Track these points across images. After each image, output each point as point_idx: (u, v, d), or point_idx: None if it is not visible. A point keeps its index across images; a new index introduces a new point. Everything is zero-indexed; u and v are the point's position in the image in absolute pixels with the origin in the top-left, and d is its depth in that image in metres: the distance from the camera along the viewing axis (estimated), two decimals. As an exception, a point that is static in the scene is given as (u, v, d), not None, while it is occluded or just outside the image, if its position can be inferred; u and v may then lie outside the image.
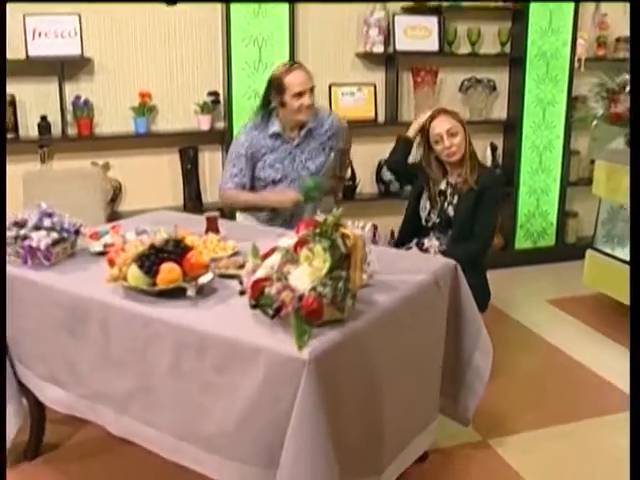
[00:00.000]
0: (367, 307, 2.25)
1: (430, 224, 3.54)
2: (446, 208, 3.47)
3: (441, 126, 3.38)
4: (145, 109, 4.62)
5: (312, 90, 3.50)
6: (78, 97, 4.49)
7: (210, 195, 4.89)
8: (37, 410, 2.92)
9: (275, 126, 3.56)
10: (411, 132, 3.56)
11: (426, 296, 2.56)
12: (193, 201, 4.79)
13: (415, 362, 2.55)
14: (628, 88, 4.12)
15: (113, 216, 4.36)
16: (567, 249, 5.57)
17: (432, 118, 3.45)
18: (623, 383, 3.68)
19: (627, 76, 4.16)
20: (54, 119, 4.44)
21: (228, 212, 4.18)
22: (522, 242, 5.58)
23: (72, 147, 4.57)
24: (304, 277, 2.05)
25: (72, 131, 4.53)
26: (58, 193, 3.81)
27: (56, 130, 4.47)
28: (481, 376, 2.90)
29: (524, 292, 5.02)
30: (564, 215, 5.68)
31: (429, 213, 3.53)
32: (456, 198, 3.44)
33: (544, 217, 5.58)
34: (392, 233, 4.89)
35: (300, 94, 3.44)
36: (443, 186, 3.50)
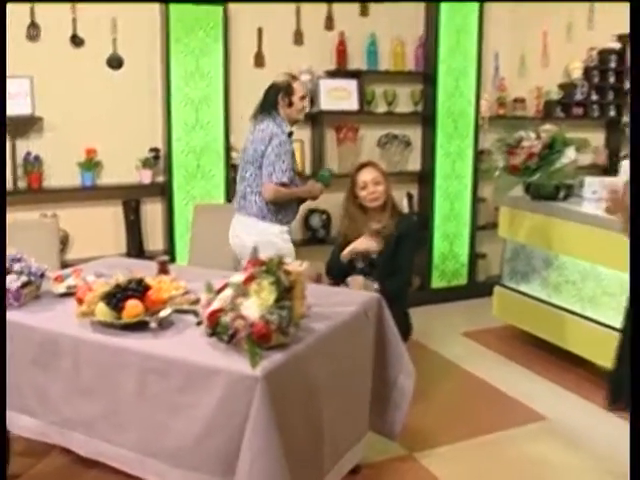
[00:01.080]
0: (307, 334, 2.64)
1: (355, 267, 3.94)
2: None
3: (367, 175, 3.83)
4: (91, 164, 4.88)
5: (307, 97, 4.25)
6: (29, 153, 4.74)
7: (152, 243, 5.17)
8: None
9: (289, 127, 4.10)
10: (346, 255, 3.94)
11: (356, 325, 2.98)
12: (136, 249, 5.07)
13: (347, 382, 2.93)
14: (524, 143, 4.65)
15: (63, 264, 4.55)
16: (478, 287, 6.02)
17: (360, 168, 3.90)
18: (528, 400, 4.18)
19: (522, 133, 4.71)
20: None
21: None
22: (437, 282, 6.03)
23: (23, 200, 4.76)
24: (254, 307, 2.44)
25: (22, 184, 4.75)
26: (15, 242, 4.04)
27: (8, 184, 4.66)
28: (406, 395, 3.29)
29: (441, 327, 5.44)
30: (474, 256, 6.17)
31: (354, 258, 3.94)
32: (378, 241, 3.86)
33: (456, 259, 6.06)
34: (319, 276, 5.27)
35: (303, 97, 4.11)
36: (366, 232, 3.89)
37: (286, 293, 2.49)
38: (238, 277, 2.58)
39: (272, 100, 4.08)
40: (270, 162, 3.94)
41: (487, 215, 6.17)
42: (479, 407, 4.16)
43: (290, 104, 4.06)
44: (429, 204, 5.90)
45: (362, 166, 3.91)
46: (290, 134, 4.08)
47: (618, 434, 3.73)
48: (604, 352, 4.24)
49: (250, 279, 2.53)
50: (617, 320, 4.21)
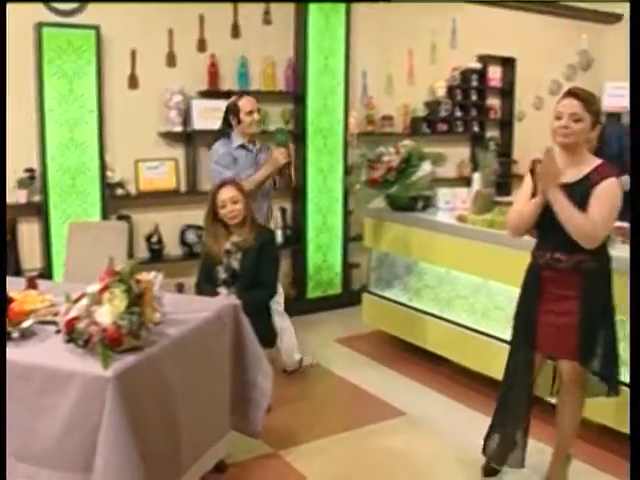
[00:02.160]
0: (161, 338, 2.85)
1: (219, 280, 4.13)
2: (232, 264, 4.10)
3: (225, 194, 4.03)
4: (-34, 185, 4.92)
5: (259, 111, 4.58)
6: None
7: (29, 262, 5.20)
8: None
9: (238, 141, 4.52)
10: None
11: (211, 329, 3.20)
12: (13, 268, 5.12)
13: (204, 383, 3.14)
14: (384, 157, 4.97)
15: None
16: (352, 295, 6.28)
17: (219, 188, 4.11)
18: (389, 398, 4.48)
19: (382, 148, 5.03)
20: None
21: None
22: (313, 292, 6.29)
23: None
24: (107, 314, 2.64)
25: None
26: None
27: None
28: (265, 394, 3.52)
29: (316, 335, 5.67)
30: (347, 266, 6.46)
31: (217, 272, 4.14)
32: (240, 254, 4.09)
33: (331, 269, 6.34)
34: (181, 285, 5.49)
35: (251, 112, 4.47)
36: (228, 245, 4.10)
37: (137, 300, 2.69)
38: (94, 287, 2.76)
39: (226, 121, 4.55)
40: (216, 173, 4.46)
41: (358, 227, 6.41)
42: (343, 406, 4.45)
43: (239, 121, 4.48)
44: (302, 218, 6.16)
45: (221, 185, 4.11)
46: (242, 146, 4.51)
47: (470, 425, 4.08)
48: (460, 350, 4.59)
49: (104, 289, 2.71)
50: (469, 319, 4.59)
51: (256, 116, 4.52)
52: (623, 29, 8.10)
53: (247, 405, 3.53)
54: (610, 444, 3.85)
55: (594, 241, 3.07)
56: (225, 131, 4.57)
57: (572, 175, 3.14)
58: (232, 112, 4.49)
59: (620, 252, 3.56)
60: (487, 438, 3.54)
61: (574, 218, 3.05)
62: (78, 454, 2.58)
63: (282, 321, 4.66)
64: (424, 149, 5.18)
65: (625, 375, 3.53)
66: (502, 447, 3.51)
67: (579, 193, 3.08)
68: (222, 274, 4.10)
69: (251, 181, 4.40)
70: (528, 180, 3.33)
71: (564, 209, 3.06)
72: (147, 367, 2.70)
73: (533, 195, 3.24)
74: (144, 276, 2.78)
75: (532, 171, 3.27)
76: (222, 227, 4.10)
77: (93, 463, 2.54)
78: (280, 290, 4.63)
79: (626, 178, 4.36)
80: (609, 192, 3.07)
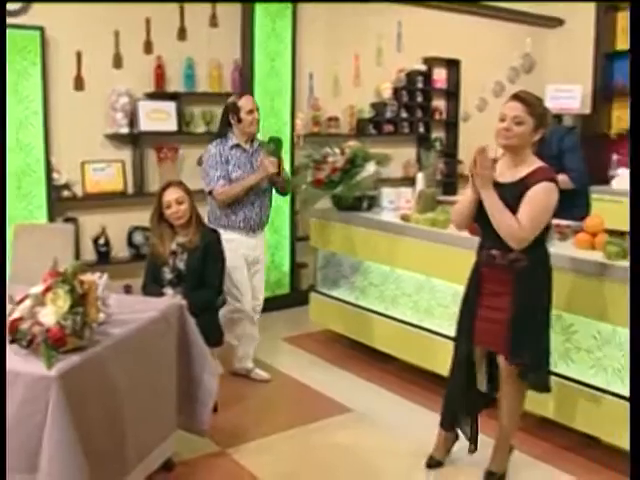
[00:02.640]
0: (106, 338, 2.87)
1: (165, 281, 4.17)
2: (177, 264, 4.13)
3: (171, 195, 4.06)
4: None
5: (258, 110, 4.55)
6: None
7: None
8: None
9: (233, 140, 4.52)
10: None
11: (157, 329, 3.22)
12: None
13: (150, 381, 3.16)
14: (329, 158, 5.05)
15: None
16: (301, 295, 6.34)
17: (165, 189, 4.14)
18: (336, 395, 4.55)
19: (328, 149, 5.11)
20: None
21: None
22: (262, 292, 6.33)
23: None
24: (50, 314, 2.65)
25: None
26: None
27: None
28: (211, 393, 3.56)
29: (264, 334, 5.53)
30: (296, 266, 6.53)
31: (163, 272, 4.17)
32: (185, 255, 4.12)
33: (279, 269, 6.40)
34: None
35: (251, 111, 4.47)
36: (174, 246, 4.13)
37: (80, 300, 2.71)
38: (37, 288, 2.77)
39: (224, 121, 4.57)
40: (205, 174, 4.56)
41: (305, 227, 6.44)
42: (290, 404, 4.50)
43: (239, 120, 4.47)
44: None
45: (166, 186, 4.13)
46: (237, 145, 4.52)
47: (415, 420, 4.20)
48: (405, 347, 4.68)
49: (47, 289, 2.73)
50: (413, 316, 4.68)
51: (256, 115, 4.52)
52: (564, 33, 8.35)
53: (193, 403, 3.56)
54: (549, 435, 3.98)
55: (520, 242, 3.18)
56: (223, 131, 4.58)
57: (510, 176, 3.25)
58: (232, 111, 4.48)
59: (557, 249, 3.70)
60: (440, 430, 3.67)
61: (502, 218, 3.17)
62: (23, 454, 2.58)
63: (251, 328, 4.80)
64: (370, 150, 5.26)
65: (559, 366, 3.69)
66: (449, 439, 3.66)
67: (513, 194, 3.19)
68: (168, 275, 4.13)
69: (239, 185, 4.46)
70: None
71: (494, 208, 3.18)
72: (91, 367, 2.72)
73: None
74: (88, 277, 2.80)
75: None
76: (168, 228, 4.13)
77: (38, 463, 2.55)
78: (261, 298, 4.83)
79: (563, 177, 4.52)
80: (539, 195, 3.18)
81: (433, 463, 3.68)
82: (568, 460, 3.78)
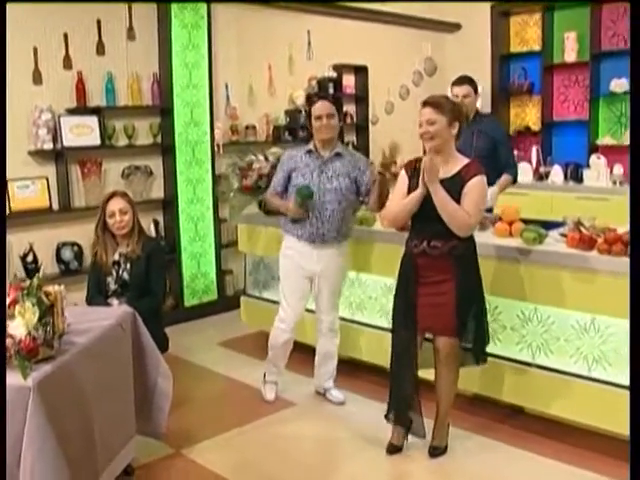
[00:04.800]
0: (71, 346, 2.98)
1: (110, 291, 4.27)
2: (121, 274, 4.24)
3: (115, 205, 4.17)
4: None
5: (330, 116, 4.26)
6: None
7: None
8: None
9: (310, 145, 4.38)
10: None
11: (114, 336, 3.34)
12: None
13: (112, 386, 3.29)
14: (254, 165, 5.23)
15: None
16: (228, 300, 6.51)
17: (109, 199, 4.23)
18: (281, 392, 4.73)
19: (252, 156, 5.28)
20: None
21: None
22: (190, 300, 6.44)
23: None
24: (20, 326, 2.75)
25: None
26: None
27: None
28: (166, 395, 3.71)
29: (198, 341, 5.84)
30: (221, 273, 6.66)
31: (107, 283, 4.28)
32: (128, 265, 4.23)
33: (205, 276, 6.51)
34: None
35: (319, 117, 4.25)
36: (117, 257, 4.24)
37: (48, 311, 2.82)
38: (1, 302, 2.86)
39: (306, 125, 4.56)
40: None
41: (229, 234, 6.66)
42: (235, 403, 4.66)
43: (311, 126, 4.35)
44: (175, 228, 6.31)
45: (111, 196, 4.24)
46: (310, 151, 4.34)
47: (362, 410, 4.45)
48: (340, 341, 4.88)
49: (13, 303, 2.82)
50: (346, 311, 4.90)
51: (324, 121, 4.23)
52: (462, 37, 8.79)
53: (150, 408, 3.69)
54: (478, 410, 4.33)
55: (468, 230, 3.55)
56: (308, 136, 4.59)
57: (444, 171, 3.58)
58: (308, 117, 4.41)
59: (480, 238, 4.00)
60: (386, 418, 3.89)
61: (452, 209, 3.50)
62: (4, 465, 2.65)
63: (323, 344, 4.62)
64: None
65: (493, 347, 4.00)
66: (400, 425, 3.87)
67: (453, 188, 3.53)
68: (112, 285, 4.23)
69: (272, 202, 4.52)
70: (403, 177, 3.71)
71: (443, 200, 3.49)
72: (62, 375, 2.83)
73: (409, 190, 3.63)
74: (52, 288, 2.91)
75: (406, 169, 3.66)
76: (111, 238, 4.23)
77: (17, 473, 2.64)
78: (325, 319, 4.54)
79: (507, 177, 5.02)
80: (478, 187, 3.57)
81: (392, 449, 3.90)
82: (498, 430, 4.13)
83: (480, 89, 8.21)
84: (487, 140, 5.00)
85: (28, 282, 2.90)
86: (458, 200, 3.52)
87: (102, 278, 4.25)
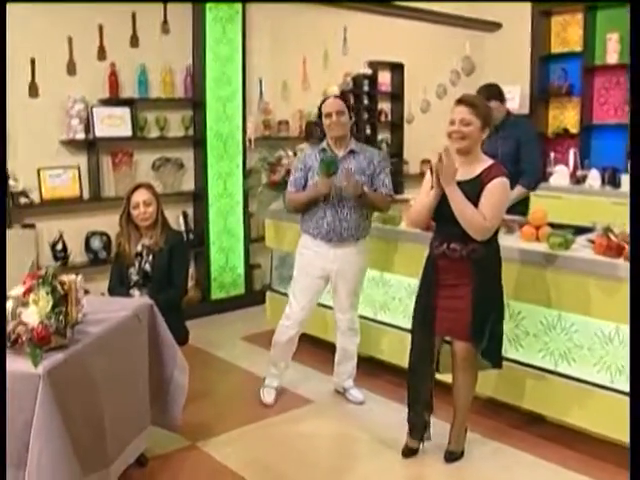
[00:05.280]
0: (84, 336, 3.00)
1: (132, 282, 4.30)
2: (144, 266, 4.26)
3: (139, 197, 4.20)
4: None
5: (339, 113, 4.21)
6: None
7: None
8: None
9: (324, 144, 4.34)
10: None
11: (129, 327, 3.36)
12: None
13: (125, 377, 3.30)
14: (283, 160, 5.21)
15: None
16: (255, 295, 6.51)
17: (134, 190, 4.26)
18: (300, 389, 4.75)
19: (281, 152, 5.27)
20: None
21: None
22: (217, 293, 6.46)
23: None
24: (33, 314, 2.77)
25: None
26: None
27: None
28: (182, 388, 3.72)
29: (222, 334, 5.86)
30: (250, 267, 6.67)
31: (129, 274, 4.30)
32: (151, 257, 4.24)
33: (233, 270, 6.52)
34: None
35: (329, 114, 4.22)
36: (139, 248, 4.27)
37: (62, 300, 2.83)
38: (17, 290, 2.88)
39: (320, 125, 4.45)
40: None
41: (258, 228, 6.64)
42: (253, 398, 4.62)
43: (323, 125, 4.33)
44: (204, 221, 6.32)
45: (136, 188, 4.27)
46: (324, 149, 4.30)
47: (380, 411, 4.42)
48: (363, 341, 4.84)
49: (28, 291, 2.84)
50: (369, 310, 4.86)
51: (334, 118, 4.19)
52: (502, 36, 8.67)
53: (165, 399, 3.70)
54: (496, 415, 4.26)
55: (484, 233, 3.44)
56: (321, 135, 4.50)
57: (465, 173, 3.50)
58: (320, 116, 4.35)
59: (505, 241, 3.94)
60: (408, 421, 3.84)
61: (468, 212, 3.41)
62: (10, 450, 2.68)
63: (342, 341, 4.61)
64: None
65: (509, 352, 3.94)
66: (418, 427, 3.82)
67: (472, 190, 3.45)
68: (134, 276, 4.25)
69: (303, 195, 4.32)
70: (428, 177, 3.65)
71: (459, 203, 3.41)
72: (74, 364, 2.84)
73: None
74: (67, 277, 2.92)
75: (431, 169, 3.60)
76: (134, 229, 4.25)
77: (25, 459, 2.66)
78: (344, 317, 4.50)
79: (520, 189, 4.94)
80: (498, 190, 3.47)
81: (408, 452, 3.86)
82: (515, 437, 4.06)
83: (518, 91, 8.22)
84: (512, 144, 4.93)
85: (46, 269, 2.92)
86: (476, 203, 3.44)
87: (124, 269, 4.28)
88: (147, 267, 4.23)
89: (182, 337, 4.25)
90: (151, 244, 4.23)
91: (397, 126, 8.05)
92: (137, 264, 4.24)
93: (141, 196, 4.20)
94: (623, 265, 3.61)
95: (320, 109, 4.31)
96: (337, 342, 4.61)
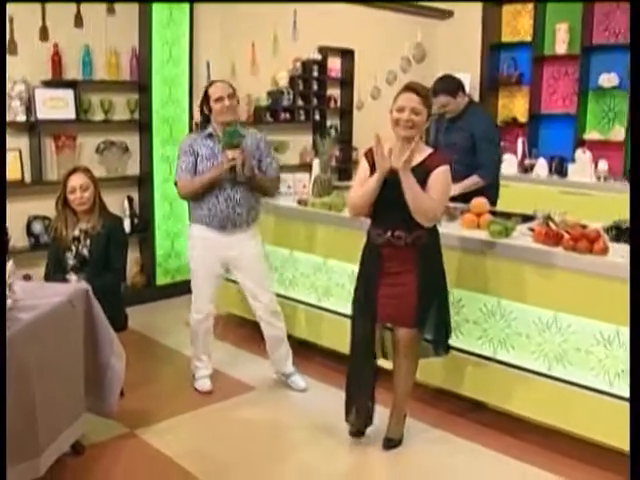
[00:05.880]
0: (14, 323, 2.92)
1: (69, 266, 4.21)
2: (81, 250, 4.18)
3: (76, 181, 4.10)
4: None
5: (230, 96, 4.22)
6: None
7: None
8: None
9: (209, 129, 4.29)
10: None
11: (62, 313, 3.29)
12: None
13: (58, 364, 3.23)
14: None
15: None
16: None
17: (70, 174, 4.17)
18: (242, 375, 4.73)
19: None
20: None
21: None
22: (162, 279, 6.39)
23: None
24: (-41, 300, 2.70)
25: None
26: None
27: None
28: (118, 375, 3.65)
29: (166, 320, 5.80)
30: (196, 252, 6.60)
31: (66, 258, 4.22)
32: (88, 241, 4.17)
33: (178, 256, 6.43)
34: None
35: (220, 98, 4.19)
36: (77, 232, 4.18)
37: (-11, 286, 2.77)
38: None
39: (201, 109, 4.38)
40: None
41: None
42: (194, 385, 4.60)
43: (210, 110, 4.27)
44: (149, 206, 6.24)
45: (72, 172, 4.18)
46: (210, 135, 4.27)
47: (321, 396, 4.43)
48: (304, 326, 4.85)
49: (-46, 276, 2.77)
50: (311, 297, 4.85)
51: (227, 102, 4.19)
52: (453, 24, 8.70)
53: (101, 386, 3.64)
54: (439, 403, 4.28)
55: (433, 218, 3.48)
56: (203, 120, 4.40)
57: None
58: (203, 101, 4.31)
59: (446, 229, 3.96)
60: (346, 409, 3.83)
61: (423, 197, 3.41)
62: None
63: (267, 329, 4.58)
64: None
65: (455, 340, 3.96)
66: (360, 415, 3.81)
67: (417, 177, 3.43)
68: (71, 260, 4.18)
69: (198, 180, 4.22)
70: (364, 164, 3.63)
71: (412, 188, 3.40)
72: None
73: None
74: (-5, 262, 2.85)
75: (367, 157, 3.58)
76: (71, 213, 4.17)
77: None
78: (262, 300, 4.49)
79: (474, 178, 4.97)
80: (444, 176, 3.50)
81: (355, 433, 3.88)
82: (457, 424, 4.08)
83: (468, 79, 8.24)
84: (466, 136, 4.95)
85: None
86: (422, 190, 3.44)
87: (61, 254, 4.19)
88: (84, 251, 4.16)
89: (121, 322, 4.19)
90: (88, 228, 4.16)
91: (347, 112, 8.03)
92: (74, 248, 4.16)
93: (78, 180, 4.12)
94: (560, 253, 3.66)
95: (207, 93, 4.29)
96: (263, 331, 4.59)
